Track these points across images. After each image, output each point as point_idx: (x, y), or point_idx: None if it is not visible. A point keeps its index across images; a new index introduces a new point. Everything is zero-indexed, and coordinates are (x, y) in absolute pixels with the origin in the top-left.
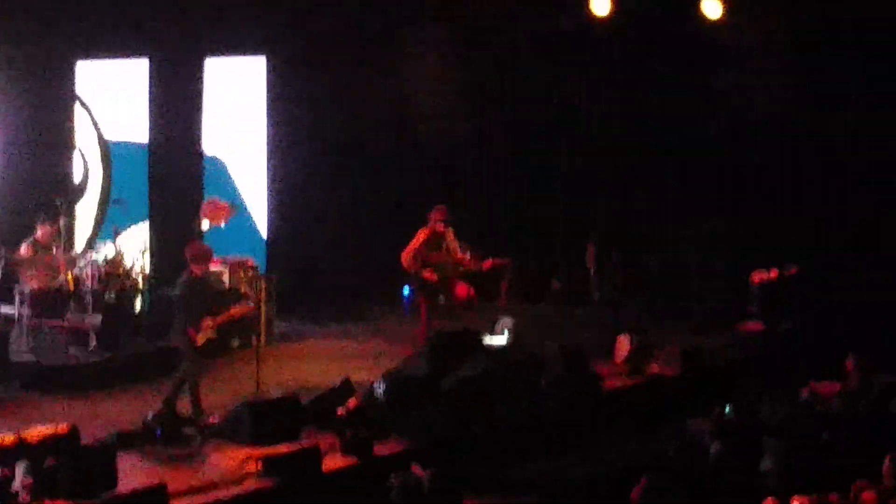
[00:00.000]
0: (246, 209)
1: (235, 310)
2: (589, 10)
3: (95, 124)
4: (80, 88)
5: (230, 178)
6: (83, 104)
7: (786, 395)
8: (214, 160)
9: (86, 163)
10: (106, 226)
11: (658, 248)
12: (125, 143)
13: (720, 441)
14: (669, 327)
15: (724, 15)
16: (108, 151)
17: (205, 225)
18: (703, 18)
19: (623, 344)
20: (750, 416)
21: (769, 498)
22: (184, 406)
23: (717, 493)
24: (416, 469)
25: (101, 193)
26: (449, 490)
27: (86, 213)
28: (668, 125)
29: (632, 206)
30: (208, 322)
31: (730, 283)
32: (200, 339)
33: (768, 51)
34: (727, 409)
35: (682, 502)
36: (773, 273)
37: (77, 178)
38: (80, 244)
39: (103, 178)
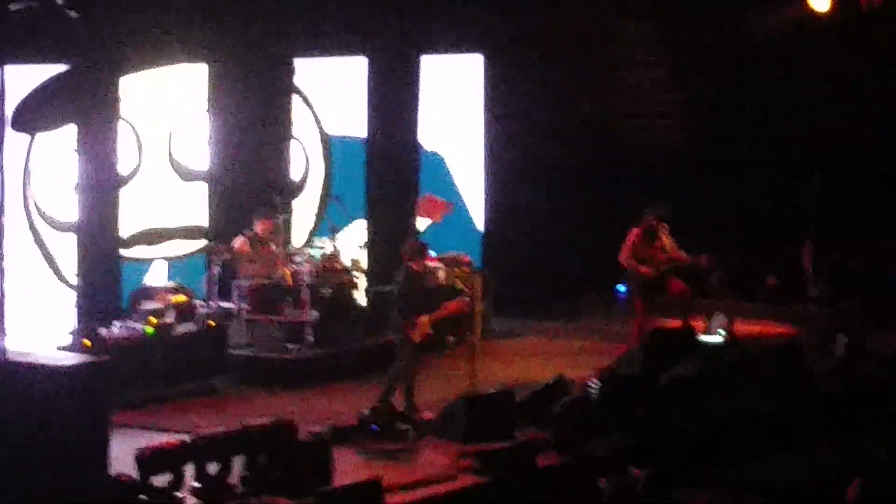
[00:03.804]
0: (464, 205)
1: (451, 305)
2: (808, 6)
3: (317, 119)
4: (301, 84)
5: (449, 173)
6: (305, 100)
7: None
8: (434, 156)
9: (307, 157)
10: (325, 221)
11: (876, 248)
12: (344, 137)
13: None
14: (887, 329)
15: None
16: (329, 146)
17: (421, 221)
18: None
19: (840, 344)
20: None
21: None
22: (398, 402)
23: None
24: (633, 470)
25: (322, 188)
26: (663, 489)
27: (306, 207)
28: (888, 123)
29: (850, 205)
30: (424, 318)
31: None
32: (417, 335)
33: None
34: None
35: None
36: None
37: (298, 173)
38: (300, 239)
39: (325, 173)
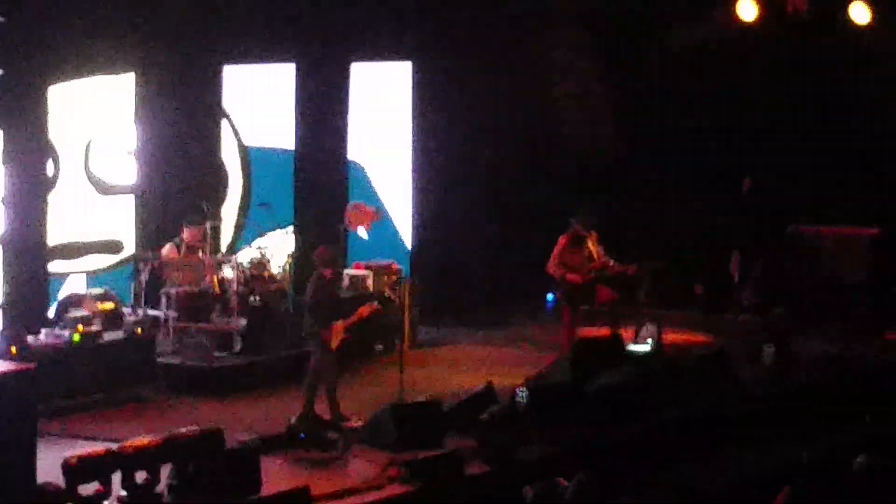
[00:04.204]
0: (391, 214)
1: (363, 310)
2: (735, 16)
3: (235, 131)
4: (225, 93)
5: (370, 183)
6: (223, 112)
7: None
8: (355, 165)
9: (225, 170)
10: (248, 230)
11: (800, 255)
12: (269, 149)
13: (865, 453)
14: (814, 335)
15: (872, 19)
16: (248, 158)
17: (355, 230)
18: (851, 23)
19: (767, 353)
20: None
21: None
22: (324, 410)
23: None
24: (559, 480)
25: (241, 199)
26: (592, 498)
27: (227, 218)
28: (817, 130)
29: (776, 213)
30: (339, 325)
31: (877, 291)
32: (334, 342)
33: None
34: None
35: None
36: None
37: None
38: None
39: (243, 185)
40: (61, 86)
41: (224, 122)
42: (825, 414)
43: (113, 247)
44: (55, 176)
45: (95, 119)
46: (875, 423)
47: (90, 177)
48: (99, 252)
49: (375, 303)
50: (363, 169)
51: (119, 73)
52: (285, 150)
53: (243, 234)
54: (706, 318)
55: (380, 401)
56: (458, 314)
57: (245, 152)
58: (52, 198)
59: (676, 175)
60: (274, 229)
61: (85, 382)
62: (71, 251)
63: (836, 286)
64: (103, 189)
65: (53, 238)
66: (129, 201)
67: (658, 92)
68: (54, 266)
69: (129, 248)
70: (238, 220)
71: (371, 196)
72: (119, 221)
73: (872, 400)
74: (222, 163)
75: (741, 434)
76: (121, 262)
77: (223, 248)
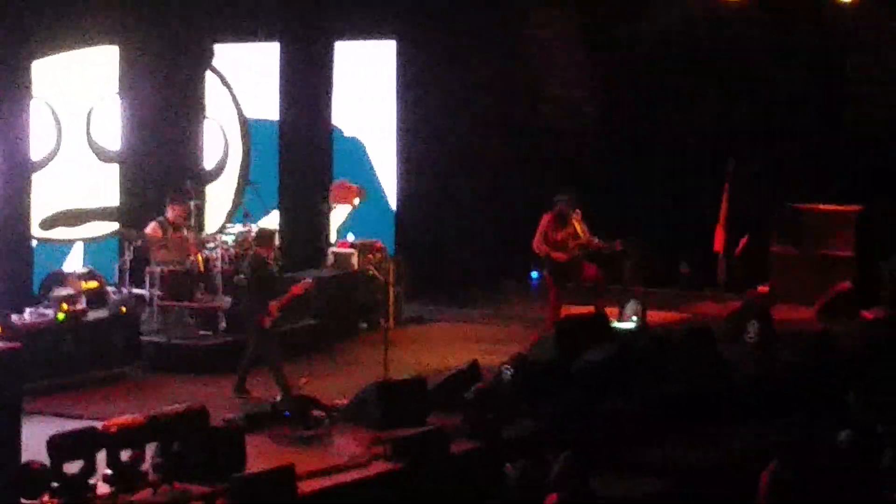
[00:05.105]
0: (379, 190)
1: (297, 288)
2: None
3: (236, 101)
4: (220, 67)
5: (369, 160)
6: (224, 82)
7: None
8: (355, 141)
9: (226, 139)
10: (240, 209)
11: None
12: (261, 120)
13: (848, 430)
14: (798, 313)
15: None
16: (248, 129)
17: (337, 207)
18: (836, 1)
19: (751, 330)
20: (877, 403)
21: None
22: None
23: (845, 479)
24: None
25: (240, 171)
26: (578, 476)
27: (224, 191)
28: (800, 112)
29: (761, 190)
30: (274, 304)
31: (862, 269)
32: (268, 321)
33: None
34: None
35: (810, 489)
36: None
37: (217, 155)
38: (217, 222)
39: (242, 156)
40: (63, 55)
41: (225, 93)
42: (808, 391)
43: (112, 213)
44: (57, 145)
45: (97, 87)
46: (856, 401)
47: (91, 144)
48: (99, 219)
49: (309, 280)
50: (363, 145)
51: (106, 44)
52: (271, 122)
53: (239, 210)
54: (691, 295)
55: (365, 379)
56: (444, 292)
57: (245, 124)
58: (57, 166)
59: (662, 153)
60: (262, 213)
61: (69, 361)
62: (73, 218)
63: (821, 263)
64: (104, 157)
65: (57, 206)
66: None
67: (643, 72)
68: (58, 233)
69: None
70: (236, 192)
71: (369, 173)
72: (118, 189)
73: (854, 378)
74: (223, 133)
75: (726, 411)
76: (117, 233)
77: (222, 220)
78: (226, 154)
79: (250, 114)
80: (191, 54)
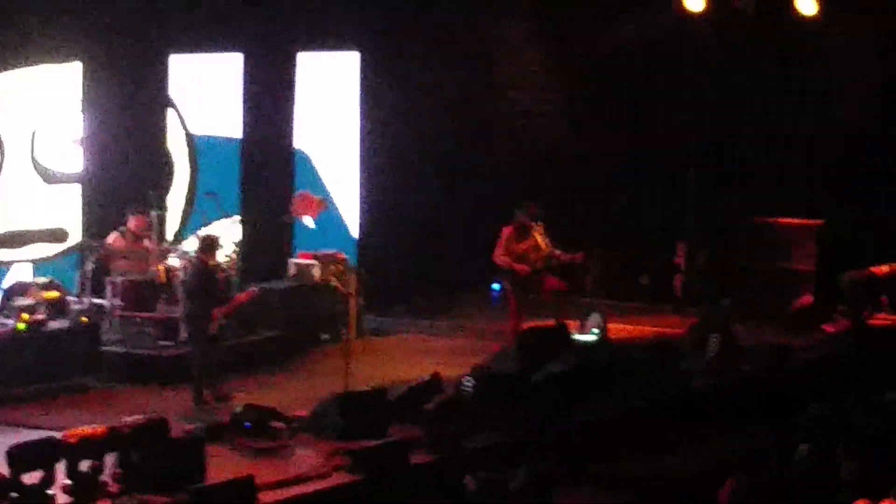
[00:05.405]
0: (334, 204)
1: (241, 296)
2: (682, 6)
3: (182, 121)
4: (172, 82)
5: (316, 172)
6: (170, 101)
7: (873, 394)
8: (300, 154)
9: (171, 159)
10: (194, 219)
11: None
12: (215, 137)
13: (808, 442)
14: (758, 326)
15: (819, 12)
16: (195, 148)
17: (300, 219)
18: (798, 14)
19: (713, 343)
20: (837, 416)
21: (861, 500)
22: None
23: (805, 494)
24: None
25: (188, 188)
26: (539, 486)
27: (173, 207)
28: (764, 122)
29: (722, 204)
30: (218, 311)
31: (823, 283)
32: (213, 327)
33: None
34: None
35: (770, 503)
36: (866, 272)
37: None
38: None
39: (190, 174)
40: (6, 74)
41: (170, 112)
42: (768, 405)
43: (58, 235)
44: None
45: (41, 108)
46: (817, 413)
47: (36, 166)
48: (44, 241)
49: (255, 288)
50: (309, 158)
51: (64, 62)
52: (231, 139)
53: (189, 224)
54: (652, 308)
55: (326, 390)
56: (405, 304)
57: (192, 141)
58: None
59: (624, 165)
60: (220, 218)
61: (29, 371)
62: (15, 240)
63: (782, 277)
64: (48, 178)
65: None
66: (75, 190)
67: (604, 85)
68: None
69: (75, 237)
70: (185, 208)
71: (317, 185)
72: (64, 210)
73: (814, 391)
74: (168, 152)
75: (686, 425)
76: (66, 251)
77: (169, 237)
78: (171, 173)
79: (207, 127)
80: (150, 67)
